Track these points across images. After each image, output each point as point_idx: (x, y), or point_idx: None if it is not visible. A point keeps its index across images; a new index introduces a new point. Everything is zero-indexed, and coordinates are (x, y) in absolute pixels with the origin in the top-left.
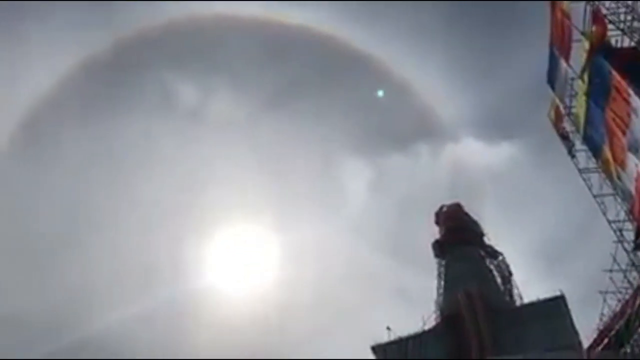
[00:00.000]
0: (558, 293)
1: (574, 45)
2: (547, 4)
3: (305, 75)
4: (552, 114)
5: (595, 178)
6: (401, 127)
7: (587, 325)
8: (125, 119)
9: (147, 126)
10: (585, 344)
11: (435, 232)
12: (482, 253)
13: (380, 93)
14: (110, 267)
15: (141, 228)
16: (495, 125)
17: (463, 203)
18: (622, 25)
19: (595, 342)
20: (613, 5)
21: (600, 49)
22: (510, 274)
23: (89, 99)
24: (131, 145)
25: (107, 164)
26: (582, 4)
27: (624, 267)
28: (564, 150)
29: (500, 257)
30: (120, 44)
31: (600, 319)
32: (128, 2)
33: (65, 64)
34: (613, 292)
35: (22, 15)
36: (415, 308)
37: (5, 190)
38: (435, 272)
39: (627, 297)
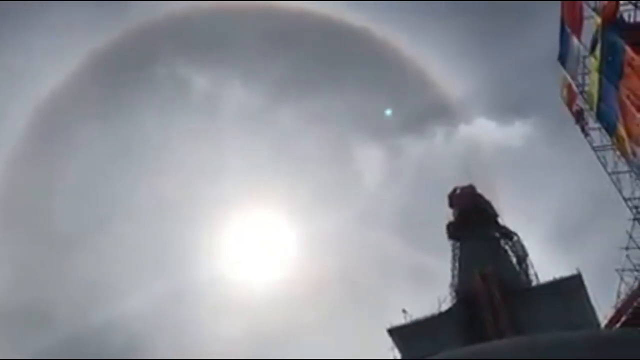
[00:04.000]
0: (575, 272)
1: (586, 22)
2: None
3: (314, 62)
4: (564, 92)
5: (610, 155)
6: (414, 109)
7: (604, 304)
8: (139, 112)
9: (161, 118)
10: (603, 322)
11: (449, 214)
12: (497, 234)
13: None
14: (126, 257)
15: (156, 218)
16: (507, 105)
17: (477, 184)
18: None
19: (613, 320)
20: None
21: (612, 24)
22: (526, 254)
23: (103, 94)
24: (146, 137)
25: (123, 158)
26: None
27: None
28: (578, 128)
29: (515, 238)
30: (131, 38)
31: (618, 297)
32: None
33: (76, 59)
34: (630, 270)
35: (32, 13)
36: (431, 290)
37: (23, 186)
38: (450, 254)
39: None
